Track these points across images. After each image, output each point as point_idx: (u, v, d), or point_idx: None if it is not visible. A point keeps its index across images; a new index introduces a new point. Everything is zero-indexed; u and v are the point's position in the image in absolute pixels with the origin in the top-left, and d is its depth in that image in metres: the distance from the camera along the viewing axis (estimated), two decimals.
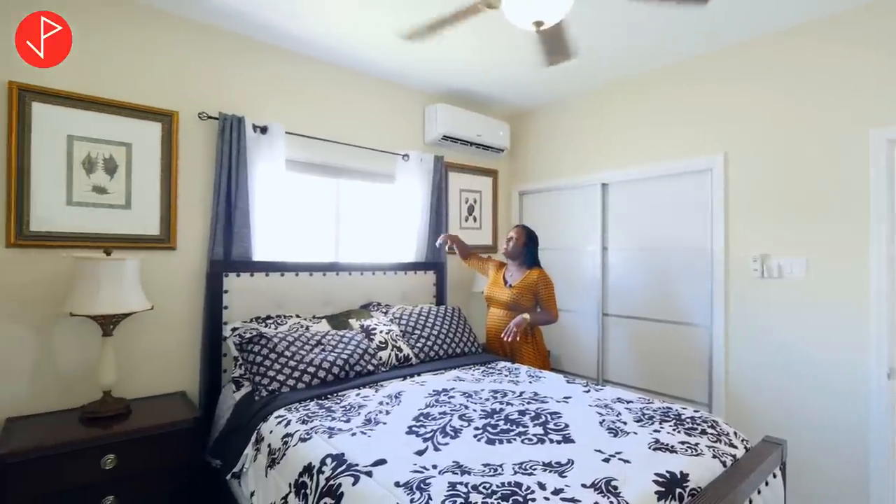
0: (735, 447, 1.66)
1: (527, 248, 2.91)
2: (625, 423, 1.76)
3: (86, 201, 2.11)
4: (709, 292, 2.82)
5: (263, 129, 2.55)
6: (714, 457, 1.53)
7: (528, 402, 1.96)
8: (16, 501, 1.60)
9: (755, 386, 2.61)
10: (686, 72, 2.93)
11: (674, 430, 1.69)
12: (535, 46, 2.08)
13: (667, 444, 1.57)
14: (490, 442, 1.57)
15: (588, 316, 3.48)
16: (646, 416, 1.82)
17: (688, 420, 1.79)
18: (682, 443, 1.59)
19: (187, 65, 2.41)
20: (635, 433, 1.67)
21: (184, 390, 2.34)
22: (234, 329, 2.30)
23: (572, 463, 1.42)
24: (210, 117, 2.43)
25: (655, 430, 1.69)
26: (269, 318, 2.43)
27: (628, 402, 2.00)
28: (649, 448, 1.54)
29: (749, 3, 2.25)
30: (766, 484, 1.60)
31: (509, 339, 2.63)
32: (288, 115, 2.75)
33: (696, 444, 1.59)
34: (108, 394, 1.96)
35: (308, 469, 1.44)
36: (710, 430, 1.71)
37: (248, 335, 2.20)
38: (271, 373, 2.05)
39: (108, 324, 1.92)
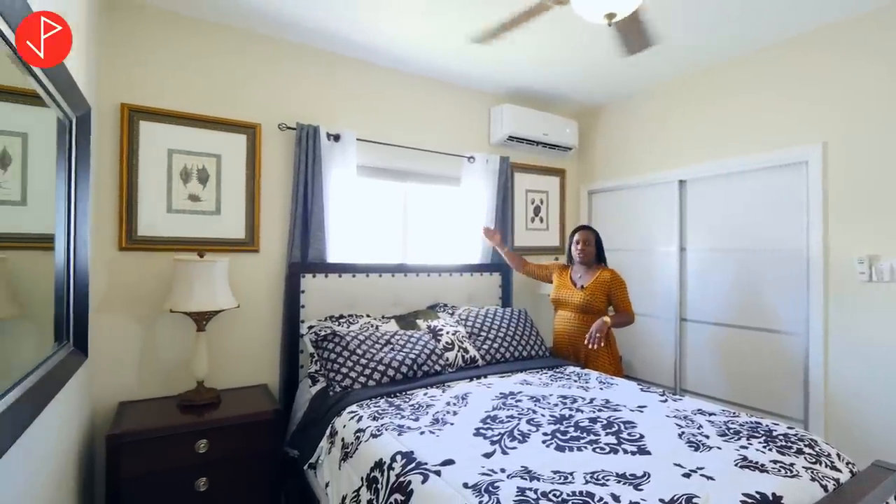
0: (838, 470, 1.49)
1: (598, 248, 2.82)
2: (707, 437, 1.64)
3: (182, 208, 2.33)
4: (804, 297, 2.56)
5: (336, 137, 2.67)
6: (813, 479, 1.38)
7: (600, 410, 1.89)
8: (127, 477, 1.80)
9: (861, 403, 2.33)
10: (778, 56, 2.68)
11: (764, 447, 1.56)
12: (612, 37, 2.01)
13: (756, 462, 1.44)
14: (559, 449, 1.53)
15: (664, 321, 3.29)
16: (731, 431, 1.69)
17: (780, 437, 1.63)
18: (775, 462, 1.46)
19: (268, 80, 2.58)
20: (719, 448, 1.55)
21: (265, 383, 2.51)
22: (310, 327, 2.43)
23: (649, 476, 1.35)
24: (288, 128, 2.59)
25: (742, 446, 1.56)
26: (341, 317, 2.54)
27: (710, 415, 1.87)
28: (735, 465, 1.42)
29: None
30: None
31: (595, 347, 2.48)
32: (358, 123, 2.87)
33: (792, 465, 1.45)
34: (201, 384, 2.15)
35: (379, 464, 1.49)
36: (807, 450, 1.55)
37: (322, 333, 2.31)
38: (344, 370, 2.14)
39: (201, 320, 2.11)
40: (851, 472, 1.53)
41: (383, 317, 2.70)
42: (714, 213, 3.03)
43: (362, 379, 2.12)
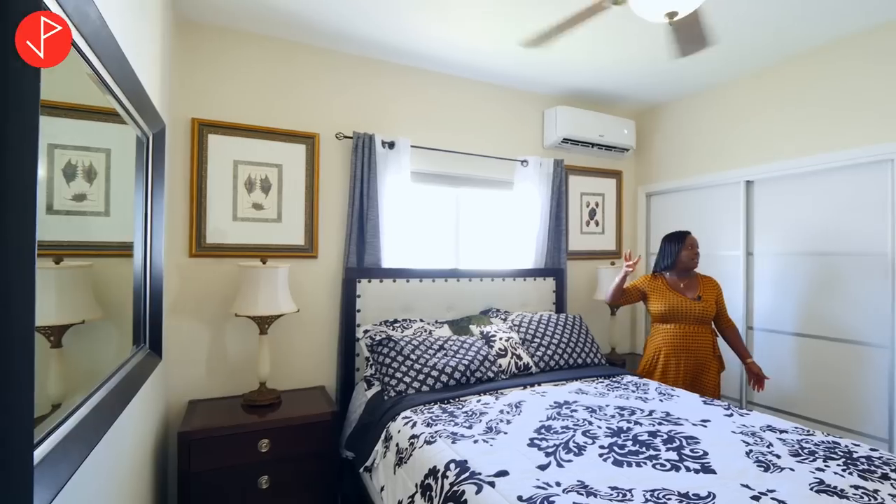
0: None
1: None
2: (778, 457, 1.54)
3: (247, 217, 2.46)
4: (889, 305, 2.34)
5: (391, 145, 2.73)
6: None
7: (660, 423, 1.82)
8: (196, 473, 1.92)
9: None
10: (856, 48, 2.47)
11: (843, 470, 1.44)
12: (667, 37, 1.93)
13: (834, 487, 1.34)
14: (617, 463, 1.49)
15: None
16: (805, 451, 1.58)
17: (862, 459, 1.51)
18: (856, 487, 1.35)
19: (324, 90, 2.68)
20: (792, 469, 1.45)
21: (323, 385, 2.61)
22: (365, 331, 2.50)
23: (713, 497, 1.29)
24: (345, 136, 2.68)
25: (819, 469, 1.45)
26: (396, 321, 2.60)
27: (781, 432, 1.75)
28: (811, 489, 1.33)
29: None
30: None
31: (763, 389, 2.55)
32: (412, 129, 2.91)
33: (876, 491, 1.33)
34: (263, 385, 2.27)
35: (433, 472, 1.51)
36: (893, 475, 1.42)
37: (377, 337, 2.37)
38: (398, 374, 2.18)
39: (264, 324, 2.22)
40: None
41: (437, 321, 2.73)
42: (785, 215, 2.84)
43: (416, 384, 2.16)
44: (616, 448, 1.60)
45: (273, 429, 2.06)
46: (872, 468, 1.46)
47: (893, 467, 1.47)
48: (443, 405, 2.03)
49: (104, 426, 1.09)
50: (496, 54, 2.76)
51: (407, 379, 2.17)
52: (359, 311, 2.59)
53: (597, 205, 3.68)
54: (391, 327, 2.54)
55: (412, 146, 2.82)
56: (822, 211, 2.65)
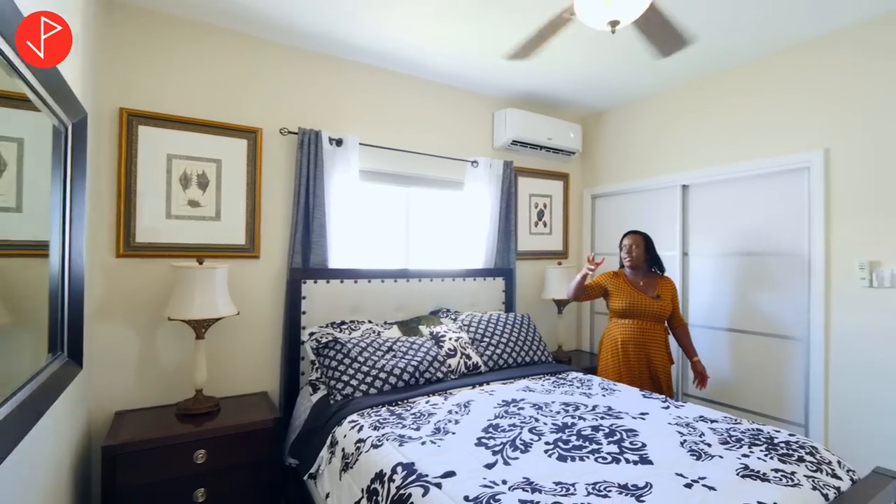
0: (839, 478, 1.48)
1: (649, 252, 2.75)
2: (709, 446, 1.63)
3: (182, 214, 2.32)
4: (805, 303, 2.55)
5: (339, 142, 2.66)
6: (814, 488, 1.38)
7: (602, 418, 1.88)
8: (123, 489, 1.78)
9: (862, 409, 2.32)
10: (780, 64, 2.67)
11: (766, 455, 1.55)
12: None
13: (758, 472, 1.43)
14: (562, 458, 1.52)
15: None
16: (733, 439, 1.68)
17: (782, 445, 1.63)
18: (776, 470, 1.45)
19: (269, 84, 2.57)
20: (721, 457, 1.54)
21: (265, 391, 2.50)
22: (311, 333, 2.42)
23: (650, 487, 1.34)
24: (290, 132, 2.58)
25: (744, 455, 1.55)
26: (343, 323, 2.54)
27: (712, 422, 1.86)
28: (737, 475, 1.42)
29: None
30: None
31: (705, 388, 2.68)
32: (361, 127, 2.86)
33: (793, 473, 1.44)
34: (199, 392, 2.14)
35: (379, 476, 1.48)
36: (808, 458, 1.54)
37: (324, 340, 2.30)
38: (345, 377, 2.13)
39: (200, 328, 2.10)
40: (852, 479, 1.52)
41: (386, 322, 2.69)
42: (716, 218, 3.03)
43: (364, 387, 2.11)
44: (561, 444, 1.63)
45: (210, 438, 1.94)
46: (790, 452, 1.57)
47: (808, 450, 1.59)
48: (391, 407, 1.99)
49: (11, 443, 0.98)
50: (447, 55, 2.76)
51: (354, 382, 2.12)
52: (304, 312, 2.51)
53: (545, 206, 3.77)
54: (338, 329, 2.47)
55: (361, 144, 2.77)
56: (750, 214, 2.84)
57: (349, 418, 1.90)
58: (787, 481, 1.39)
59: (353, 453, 1.69)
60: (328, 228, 2.62)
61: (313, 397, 2.23)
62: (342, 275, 2.64)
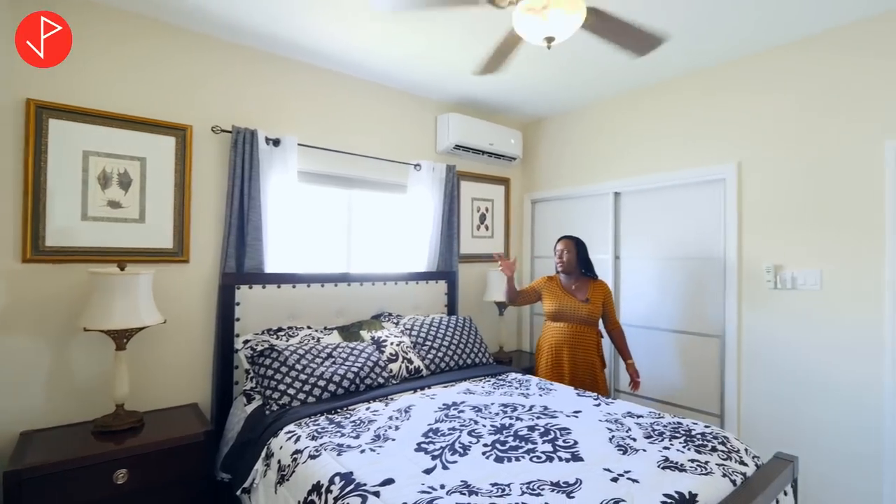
0: (745, 465, 1.63)
1: (581, 257, 2.79)
2: (634, 440, 1.74)
3: (101, 216, 2.15)
4: (722, 303, 2.78)
5: (276, 142, 2.57)
6: (724, 475, 1.51)
7: (538, 417, 1.95)
8: None
9: (768, 399, 2.57)
10: (700, 82, 2.90)
11: (684, 447, 1.67)
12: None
13: (676, 463, 1.55)
14: (499, 460, 1.56)
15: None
16: (656, 433, 1.80)
17: (698, 436, 1.76)
18: (692, 461, 1.57)
19: (201, 79, 2.44)
20: (644, 450, 1.65)
21: (196, 402, 2.37)
22: (245, 341, 2.32)
23: (580, 483, 1.41)
24: (223, 131, 2.46)
25: (665, 448, 1.67)
26: (280, 329, 2.45)
27: (639, 417, 1.98)
28: (658, 467, 1.52)
29: (762, 14, 2.22)
30: (777, 502, 1.57)
31: (638, 389, 2.75)
32: (300, 127, 2.78)
33: (706, 463, 1.56)
34: (120, 407, 2.00)
35: (317, 487, 1.45)
36: (720, 447, 1.69)
37: (259, 348, 2.22)
38: (282, 386, 2.07)
39: (121, 338, 1.96)
40: (757, 465, 1.68)
41: (326, 328, 2.64)
42: (645, 224, 3.23)
43: (301, 395, 2.06)
44: (498, 445, 1.68)
45: (133, 456, 1.82)
46: (705, 442, 1.71)
47: (720, 440, 1.74)
48: (329, 416, 1.96)
49: None
50: (392, 58, 2.75)
51: (291, 391, 2.06)
52: (238, 319, 2.41)
53: (487, 210, 3.84)
54: (275, 336, 2.39)
55: (300, 145, 2.70)
56: (676, 221, 3.05)
57: (286, 429, 1.84)
58: (702, 470, 1.51)
59: (289, 465, 1.64)
60: (264, 232, 2.52)
61: (248, 408, 2.14)
62: (279, 279, 2.55)
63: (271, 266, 2.56)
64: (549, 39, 1.69)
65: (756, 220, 2.64)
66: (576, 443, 1.70)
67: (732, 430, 2.68)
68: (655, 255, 3.16)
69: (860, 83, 2.27)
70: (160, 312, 2.09)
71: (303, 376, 2.11)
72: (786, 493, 1.65)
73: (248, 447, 1.93)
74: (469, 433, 1.78)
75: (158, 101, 2.31)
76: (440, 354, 2.65)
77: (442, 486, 1.38)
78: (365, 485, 1.38)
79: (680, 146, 3.00)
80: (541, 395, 2.26)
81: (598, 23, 1.82)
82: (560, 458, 1.58)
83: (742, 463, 1.63)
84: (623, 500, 1.30)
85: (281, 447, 1.75)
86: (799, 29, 2.37)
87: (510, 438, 1.73)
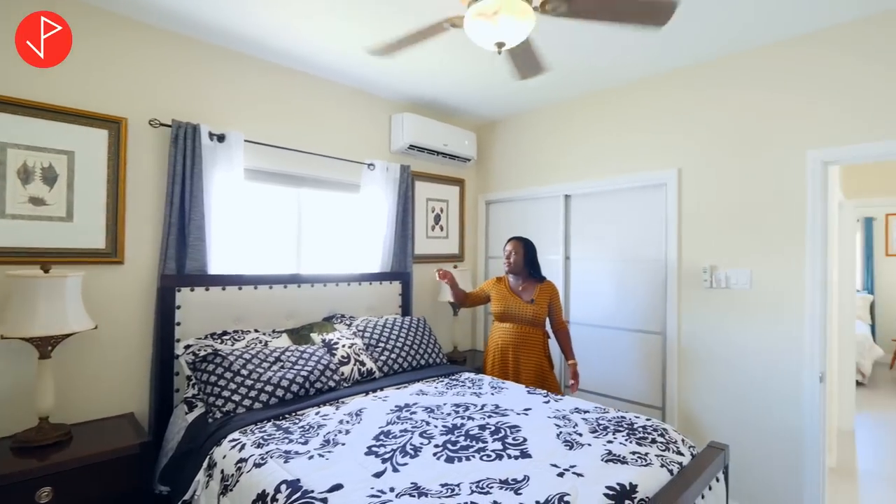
0: (682, 454, 1.72)
1: (528, 258, 2.80)
2: (580, 435, 1.80)
3: (21, 213, 1.98)
4: (664, 302, 2.92)
5: (221, 138, 2.47)
6: (662, 465, 1.58)
7: (489, 416, 1.97)
8: None
9: (704, 391, 2.73)
10: (644, 90, 3.03)
11: (626, 440, 1.75)
12: (508, 62, 2.10)
13: (619, 456, 1.61)
14: (449, 460, 1.57)
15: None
16: (601, 427, 1.87)
17: (640, 429, 1.85)
18: (634, 453, 1.64)
19: (138, 69, 2.30)
20: (590, 445, 1.71)
21: (132, 412, 2.23)
22: (187, 346, 2.21)
23: (528, 479, 1.44)
24: (162, 124, 2.34)
25: (609, 441, 1.73)
26: (225, 333, 2.35)
27: (585, 413, 2.05)
28: (602, 460, 1.58)
29: (698, 30, 2.35)
30: (710, 489, 1.67)
31: (576, 391, 2.75)
32: (247, 123, 2.68)
33: (646, 454, 1.64)
34: (44, 420, 1.84)
35: (262, 497, 1.40)
36: (659, 439, 1.77)
37: (202, 353, 2.12)
38: (226, 393, 1.98)
39: (45, 346, 1.81)
40: (692, 454, 1.78)
41: (274, 331, 2.55)
42: (594, 226, 3.34)
43: (247, 402, 1.98)
44: (449, 445, 1.68)
45: (58, 473, 1.68)
46: (646, 435, 1.79)
47: (660, 432, 1.83)
48: (277, 422, 1.90)
49: None
50: (345, 55, 2.70)
51: (236, 397, 1.98)
52: (178, 324, 2.29)
53: (441, 210, 3.86)
54: (219, 340, 2.29)
55: (247, 141, 2.60)
56: (623, 223, 3.18)
57: (230, 437, 1.77)
58: (642, 462, 1.58)
59: (233, 474, 1.58)
60: (208, 231, 2.41)
61: (189, 416, 2.04)
62: (224, 281, 2.45)
63: (216, 267, 2.45)
64: (500, 45, 1.72)
65: (694, 223, 2.79)
66: (525, 440, 1.74)
67: (673, 421, 2.83)
68: (604, 256, 3.28)
69: (786, 98, 2.45)
70: (91, 317, 1.96)
71: (249, 382, 2.04)
72: (718, 480, 1.75)
73: (189, 457, 1.84)
74: (421, 434, 1.78)
75: (89, 90, 2.16)
76: (393, 356, 2.63)
77: (392, 490, 1.37)
78: (312, 492, 1.35)
79: (626, 151, 3.12)
80: (493, 394, 2.29)
81: (573, 7, 1.74)
82: (510, 456, 1.60)
83: (679, 453, 1.72)
84: (568, 495, 1.34)
85: (224, 456, 1.68)
86: (728, 45, 2.53)
87: (461, 438, 1.74)
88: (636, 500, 1.36)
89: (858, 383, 5.15)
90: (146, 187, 2.32)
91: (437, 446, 1.68)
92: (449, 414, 2.00)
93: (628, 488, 1.40)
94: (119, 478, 1.82)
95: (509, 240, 2.88)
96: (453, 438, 1.74)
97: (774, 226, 2.48)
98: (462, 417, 1.96)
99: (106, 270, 2.19)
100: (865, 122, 2.23)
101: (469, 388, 2.40)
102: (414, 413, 2.01)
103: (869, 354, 5.42)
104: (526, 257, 2.80)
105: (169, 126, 2.34)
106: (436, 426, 1.86)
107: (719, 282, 2.66)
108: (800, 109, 2.41)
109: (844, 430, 3.78)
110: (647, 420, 1.96)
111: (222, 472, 1.63)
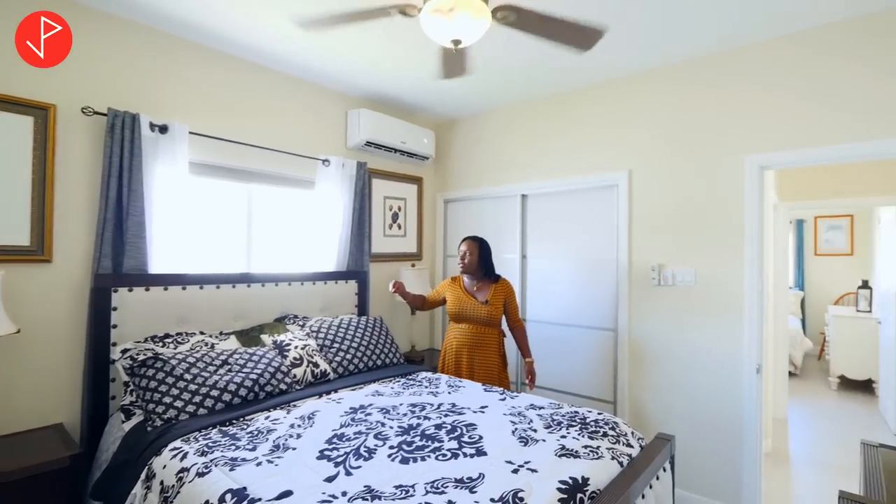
0: (631, 446, 1.78)
1: (482, 259, 2.78)
2: (535, 431, 1.82)
3: None
4: (615, 299, 3.01)
5: (163, 129, 2.33)
6: (613, 458, 1.63)
7: (446, 415, 1.96)
8: None
9: (653, 384, 2.83)
10: (597, 93, 3.12)
11: (579, 434, 1.78)
12: (436, 59, 2.10)
13: (572, 450, 1.64)
14: (404, 461, 1.55)
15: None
16: (555, 423, 1.90)
17: (592, 423, 1.89)
18: (586, 447, 1.68)
19: (72, 52, 2.13)
20: (544, 440, 1.73)
21: (61, 422, 2.07)
22: (124, 350, 2.07)
23: (483, 477, 1.44)
24: (97, 113, 2.17)
25: (562, 436, 1.76)
26: (167, 336, 2.22)
27: (540, 409, 2.07)
28: (556, 455, 1.60)
29: (643, 39, 2.44)
30: (657, 478, 1.73)
31: (533, 388, 2.78)
32: (193, 114, 2.54)
33: (598, 448, 1.68)
34: None
35: None
36: (610, 432, 1.82)
37: (140, 357, 1.99)
38: (167, 399, 1.87)
39: None
40: (641, 446, 1.83)
41: (222, 333, 2.44)
42: (549, 225, 3.40)
43: (191, 408, 1.88)
44: (405, 446, 1.66)
45: None
46: (597, 429, 1.83)
47: (611, 426, 1.88)
48: (223, 428, 1.81)
49: None
50: (297, 46, 2.61)
51: (179, 403, 1.87)
52: (115, 326, 2.14)
53: (399, 209, 3.81)
54: (160, 343, 2.16)
55: (192, 133, 2.47)
56: (576, 223, 3.25)
57: (171, 445, 1.67)
58: (593, 455, 1.62)
59: (173, 485, 1.49)
60: (148, 228, 2.27)
61: (126, 425, 1.91)
62: (166, 281, 2.31)
63: (157, 266, 2.31)
64: (456, 42, 1.71)
65: (644, 223, 2.90)
66: (481, 438, 1.74)
67: (624, 415, 2.92)
68: (560, 255, 3.34)
69: (728, 105, 2.58)
70: (12, 320, 1.79)
71: (192, 386, 1.93)
72: (665, 470, 1.82)
73: (126, 469, 1.72)
74: (375, 436, 1.74)
75: (12, 73, 1.98)
76: (349, 356, 2.58)
77: (344, 494, 1.34)
78: (260, 500, 1.29)
79: (580, 153, 3.20)
80: (450, 393, 2.28)
81: (521, 20, 1.80)
82: (465, 455, 1.60)
83: (629, 445, 1.77)
84: (522, 491, 1.35)
85: (164, 466, 1.58)
86: (669, 54, 2.64)
87: (417, 438, 1.72)
88: (588, 493, 1.39)
89: (791, 374, 5.52)
90: (78, 180, 2.16)
91: (392, 447, 1.65)
92: (405, 414, 1.98)
93: (580, 482, 1.42)
94: (46, 494, 1.68)
95: (464, 239, 2.85)
96: (409, 439, 1.72)
97: (716, 226, 2.61)
98: (418, 417, 1.94)
99: (31, 269, 2.02)
100: (798, 130, 2.38)
101: (426, 387, 2.38)
102: (369, 414, 1.97)
103: (800, 347, 5.84)
104: (481, 257, 2.78)
105: (105, 115, 2.18)
106: (391, 427, 1.83)
107: (666, 280, 2.77)
108: (740, 115, 2.54)
109: (779, 417, 4.04)
110: (599, 414, 2.01)
111: (162, 483, 1.53)
